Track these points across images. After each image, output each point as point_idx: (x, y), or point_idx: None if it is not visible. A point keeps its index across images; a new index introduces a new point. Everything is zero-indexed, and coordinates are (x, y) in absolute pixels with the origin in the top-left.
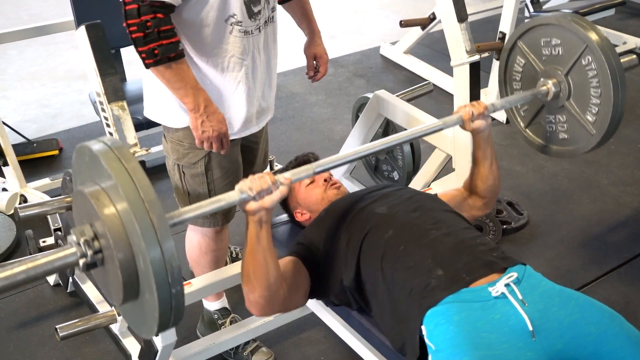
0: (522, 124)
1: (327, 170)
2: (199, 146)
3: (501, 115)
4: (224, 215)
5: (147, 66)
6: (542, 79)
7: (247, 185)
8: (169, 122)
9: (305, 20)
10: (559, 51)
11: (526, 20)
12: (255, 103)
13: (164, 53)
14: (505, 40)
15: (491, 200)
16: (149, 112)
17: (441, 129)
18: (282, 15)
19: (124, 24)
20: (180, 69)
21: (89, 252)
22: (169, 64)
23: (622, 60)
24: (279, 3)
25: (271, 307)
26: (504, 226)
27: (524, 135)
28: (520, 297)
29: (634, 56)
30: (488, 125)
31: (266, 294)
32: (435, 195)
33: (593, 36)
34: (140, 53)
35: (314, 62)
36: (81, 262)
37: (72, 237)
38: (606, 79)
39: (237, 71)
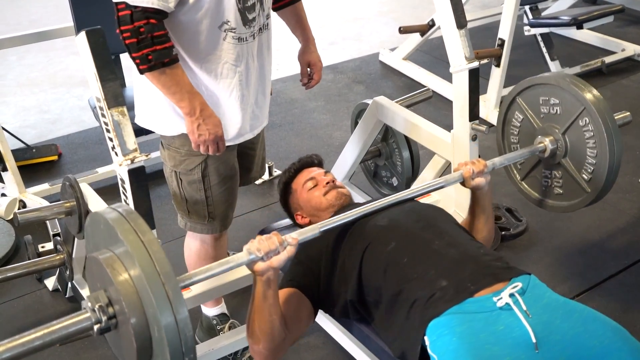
0: (518, 176)
1: (331, 229)
2: (195, 149)
3: None
4: (222, 222)
5: (142, 72)
6: (539, 136)
7: (255, 247)
8: (162, 130)
9: (300, 27)
10: (557, 110)
11: (525, 80)
12: (248, 110)
13: (157, 58)
14: (504, 96)
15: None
16: (141, 119)
17: (443, 187)
18: (281, 21)
19: (117, 30)
20: (174, 74)
21: (104, 318)
22: (163, 70)
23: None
24: (274, 10)
25: (274, 355)
26: (503, 233)
27: (519, 187)
28: (524, 308)
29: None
30: (487, 182)
31: (270, 345)
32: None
33: (591, 99)
34: (134, 59)
35: (308, 69)
36: (95, 327)
37: (87, 304)
38: (602, 141)
39: (230, 78)
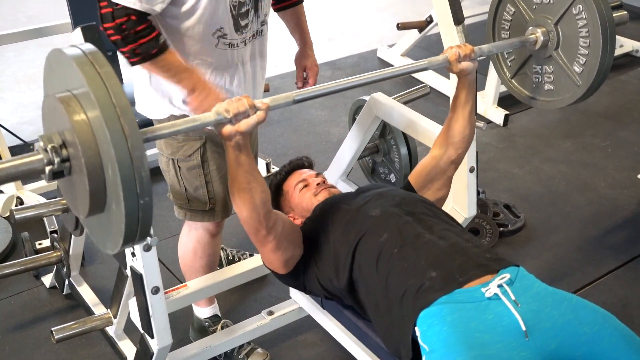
0: (507, 74)
1: (308, 99)
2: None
3: (498, 118)
4: (223, 208)
5: (132, 64)
6: (531, 28)
7: (223, 107)
8: (153, 113)
9: (298, 30)
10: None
11: None
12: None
13: (145, 51)
14: None
15: (464, 153)
16: (139, 107)
17: (426, 69)
18: (280, 19)
19: (101, 28)
20: (165, 60)
21: (56, 160)
22: (153, 60)
23: (613, 15)
24: (275, 10)
25: (260, 223)
26: (501, 229)
27: (509, 86)
28: (513, 297)
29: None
30: (474, 68)
31: (254, 214)
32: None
33: None
34: (122, 53)
35: (304, 73)
36: (47, 169)
37: (40, 144)
38: (596, 28)
39: (217, 81)
